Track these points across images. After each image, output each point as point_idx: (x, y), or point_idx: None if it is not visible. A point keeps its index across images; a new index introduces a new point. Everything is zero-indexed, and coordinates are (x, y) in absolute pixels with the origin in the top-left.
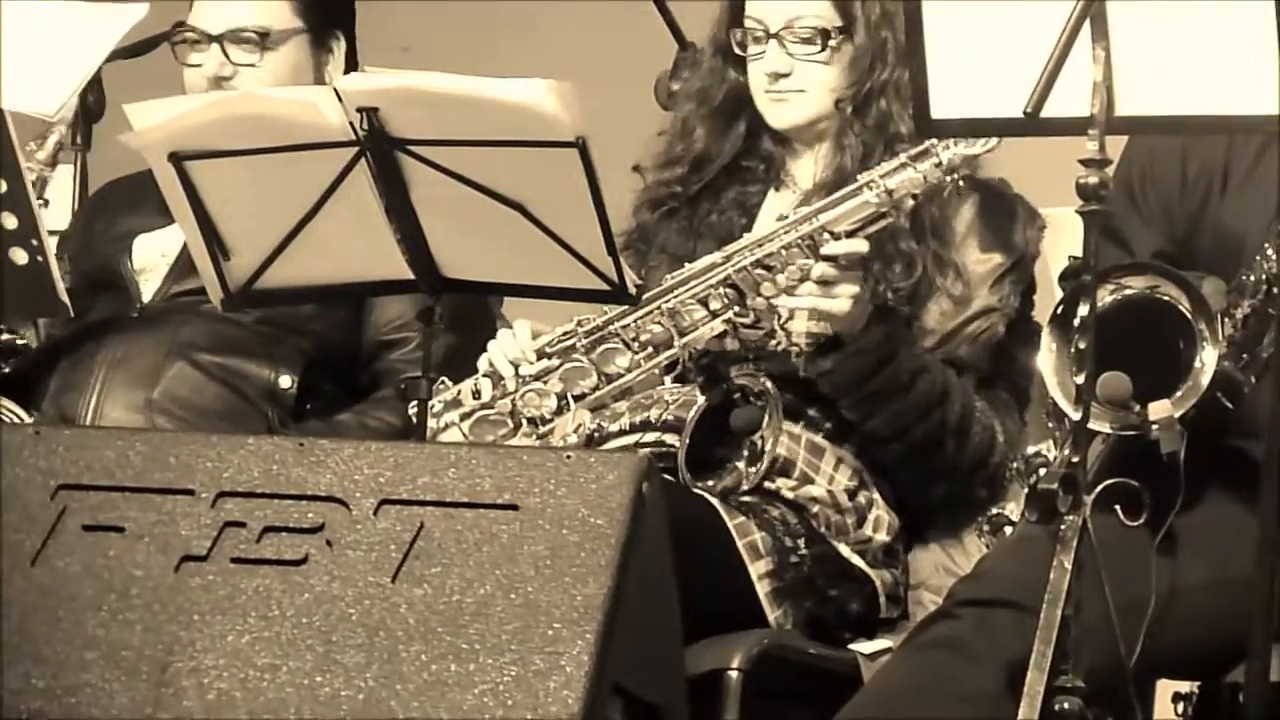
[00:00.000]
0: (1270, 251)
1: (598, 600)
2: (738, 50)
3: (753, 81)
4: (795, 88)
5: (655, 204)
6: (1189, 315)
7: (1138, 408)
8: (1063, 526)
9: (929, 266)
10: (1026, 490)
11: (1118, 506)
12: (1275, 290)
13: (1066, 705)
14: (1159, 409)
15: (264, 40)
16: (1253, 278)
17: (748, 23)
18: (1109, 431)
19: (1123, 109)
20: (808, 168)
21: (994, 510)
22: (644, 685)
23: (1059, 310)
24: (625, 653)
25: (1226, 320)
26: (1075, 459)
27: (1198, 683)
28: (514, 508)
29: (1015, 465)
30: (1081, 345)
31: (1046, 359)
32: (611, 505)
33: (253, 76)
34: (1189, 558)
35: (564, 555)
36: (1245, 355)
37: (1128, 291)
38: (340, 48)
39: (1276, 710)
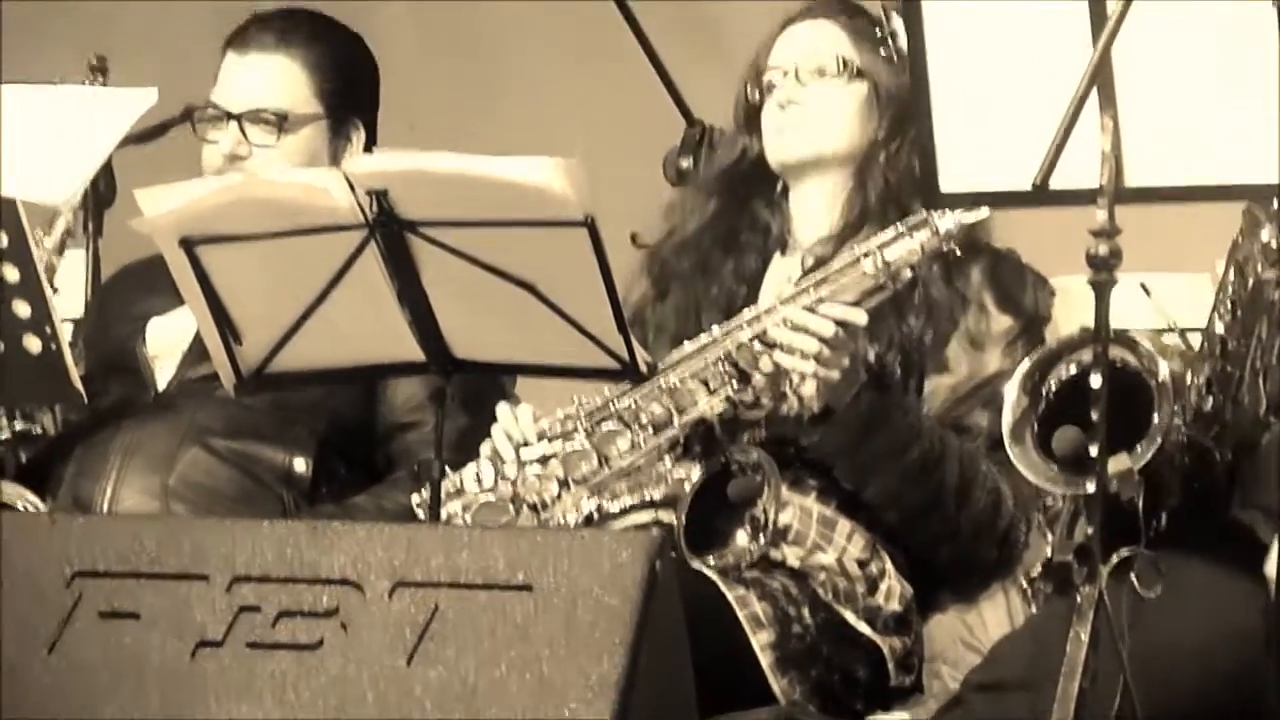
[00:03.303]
0: (1217, 317)
1: (613, 679)
2: (752, 101)
3: (766, 125)
4: (806, 117)
5: (652, 279)
6: (1143, 375)
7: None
8: (1078, 598)
9: (953, 309)
10: (1040, 564)
11: (1133, 576)
12: (1227, 350)
13: None
14: (1118, 463)
15: (282, 123)
16: (1207, 345)
17: (767, 72)
18: (1062, 491)
19: (1132, 179)
20: (815, 221)
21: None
22: None
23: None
24: None
25: (1190, 387)
26: (1090, 530)
27: None
28: (528, 588)
29: (1038, 519)
30: (1094, 416)
31: (1009, 417)
32: (625, 583)
33: (267, 158)
34: (1184, 619)
35: (579, 634)
36: (1216, 426)
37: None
38: (359, 137)
39: None
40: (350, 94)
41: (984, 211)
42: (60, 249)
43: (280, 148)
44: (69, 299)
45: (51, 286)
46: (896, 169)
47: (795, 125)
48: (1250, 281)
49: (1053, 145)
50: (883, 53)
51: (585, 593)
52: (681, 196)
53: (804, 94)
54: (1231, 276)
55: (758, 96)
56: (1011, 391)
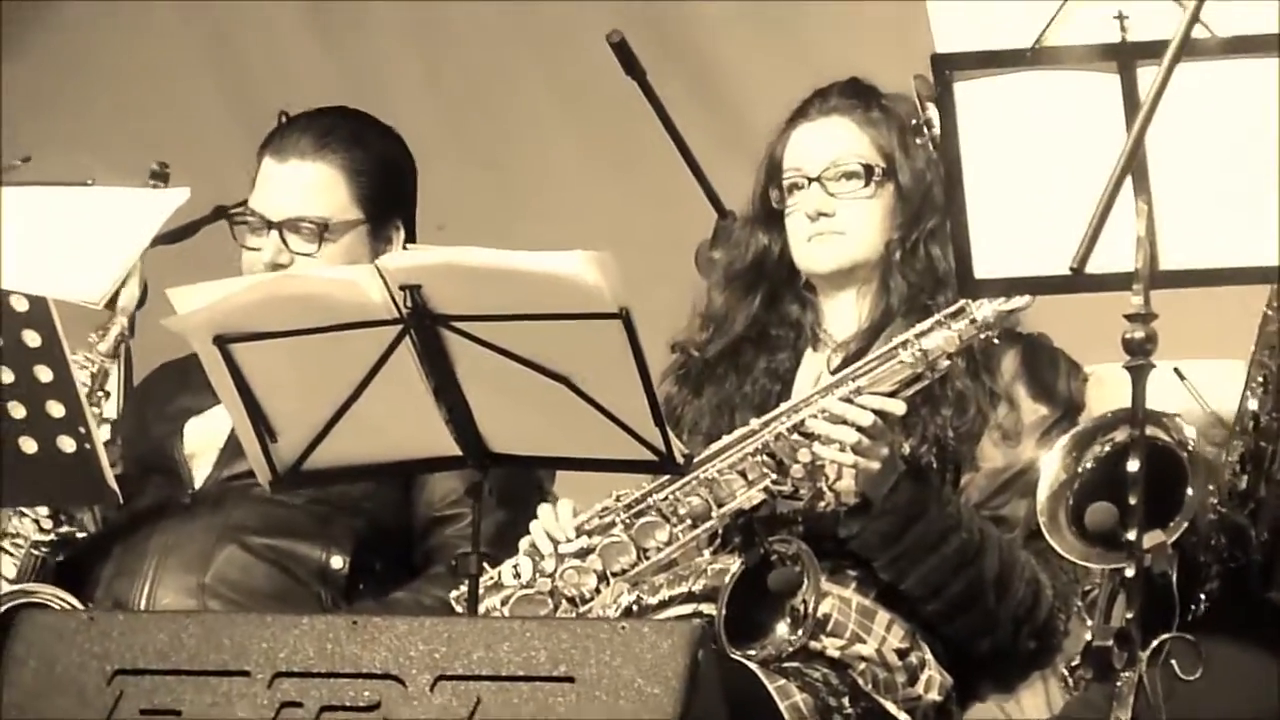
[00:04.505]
0: (1249, 394)
1: None
2: (775, 205)
3: (792, 231)
4: (837, 229)
5: (683, 376)
6: (1175, 451)
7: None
8: (1119, 683)
9: (981, 404)
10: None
11: (1172, 660)
12: (1260, 427)
13: None
14: (1152, 538)
15: (323, 231)
16: (1240, 423)
17: (787, 174)
18: (1097, 567)
19: (1166, 263)
20: (844, 319)
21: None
22: None
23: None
24: None
25: (1223, 465)
26: (1130, 614)
27: None
28: (570, 679)
29: (1077, 607)
30: (1132, 500)
31: (1044, 494)
32: (667, 674)
33: (309, 266)
34: (1223, 703)
35: None
36: (1250, 503)
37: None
38: (399, 237)
39: None
40: (390, 195)
41: (1024, 298)
42: (114, 353)
43: (322, 255)
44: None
45: (103, 390)
46: (915, 264)
47: (825, 239)
48: None
49: (1089, 229)
50: (916, 141)
51: (627, 684)
52: (711, 293)
53: (832, 204)
54: (1264, 353)
55: (778, 197)
56: (1047, 470)
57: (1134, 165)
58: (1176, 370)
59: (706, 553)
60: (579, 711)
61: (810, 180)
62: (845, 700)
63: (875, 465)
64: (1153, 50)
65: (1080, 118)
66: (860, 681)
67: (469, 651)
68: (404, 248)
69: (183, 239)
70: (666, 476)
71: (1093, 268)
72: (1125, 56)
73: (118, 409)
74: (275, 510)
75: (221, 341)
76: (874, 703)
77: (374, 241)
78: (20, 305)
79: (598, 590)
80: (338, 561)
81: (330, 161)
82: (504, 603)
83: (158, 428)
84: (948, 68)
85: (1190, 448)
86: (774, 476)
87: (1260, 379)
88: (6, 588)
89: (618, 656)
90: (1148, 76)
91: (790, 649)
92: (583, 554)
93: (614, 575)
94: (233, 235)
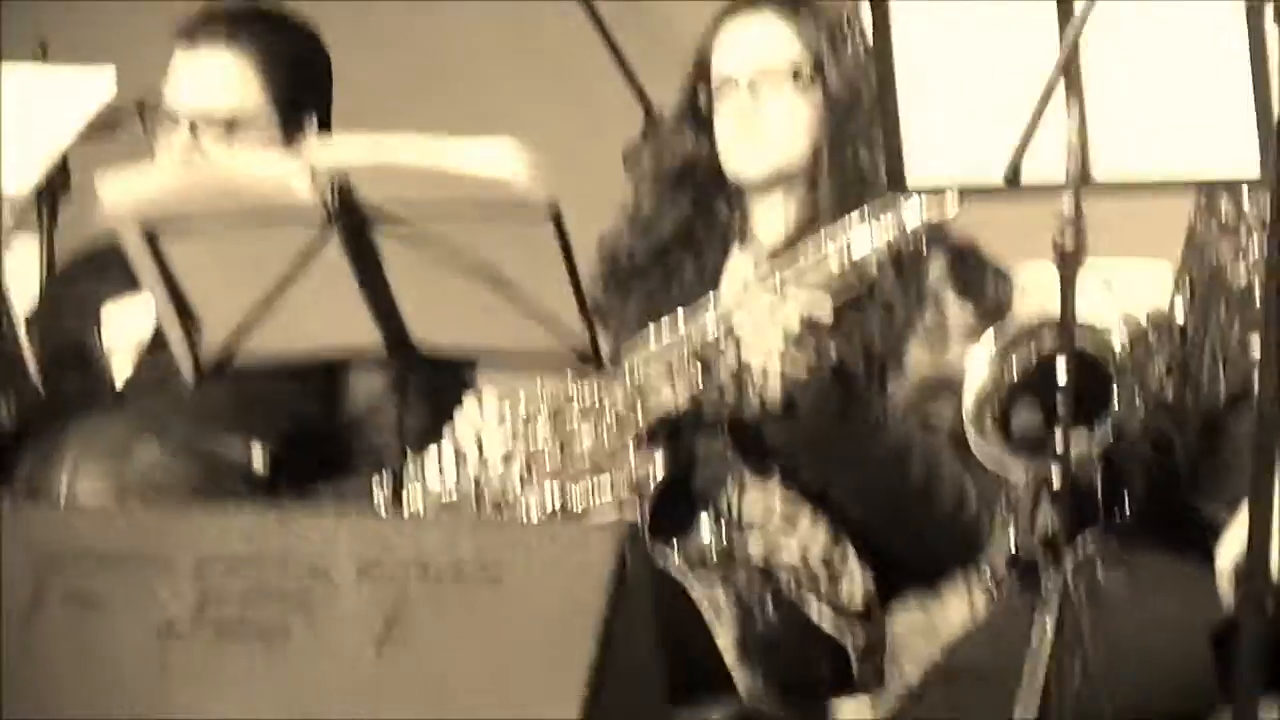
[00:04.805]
0: (1177, 302)
1: (582, 670)
2: (703, 109)
3: (720, 134)
4: (765, 132)
5: (610, 277)
6: (1101, 360)
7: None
8: (1043, 589)
9: (908, 310)
10: (1006, 556)
11: (1097, 566)
12: (1186, 336)
13: None
14: (1076, 444)
15: (234, 123)
16: (1167, 331)
17: (715, 76)
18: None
19: (1097, 171)
20: (773, 223)
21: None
22: None
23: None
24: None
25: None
26: (1056, 522)
27: None
28: (496, 578)
29: (1001, 513)
30: (1059, 407)
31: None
32: (594, 574)
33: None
34: (1149, 611)
35: (547, 625)
36: (1176, 413)
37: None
38: (312, 130)
39: None
40: (303, 89)
41: (954, 205)
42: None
43: (234, 148)
44: (21, 289)
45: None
46: (843, 168)
47: (753, 141)
48: (1208, 265)
49: (1023, 137)
50: (845, 49)
51: (554, 585)
52: (640, 194)
53: (759, 108)
54: (1190, 261)
55: (707, 101)
56: (973, 376)
57: (1068, 72)
58: (1105, 280)
59: (631, 452)
60: (505, 611)
61: (738, 83)
62: (767, 602)
63: (802, 369)
64: None
65: (1016, 23)
66: (783, 583)
67: (395, 547)
68: (321, 140)
69: (104, 132)
70: (593, 376)
71: (1025, 175)
72: None
73: (34, 301)
74: (197, 405)
75: (149, 232)
76: (796, 605)
77: (288, 134)
78: None
79: (522, 489)
80: (259, 458)
81: (241, 53)
82: (428, 500)
83: (74, 318)
84: None
85: (1117, 355)
86: (699, 378)
87: (1187, 286)
88: None
89: (544, 556)
90: None
91: (713, 551)
92: (507, 453)
93: (538, 474)
94: (144, 129)
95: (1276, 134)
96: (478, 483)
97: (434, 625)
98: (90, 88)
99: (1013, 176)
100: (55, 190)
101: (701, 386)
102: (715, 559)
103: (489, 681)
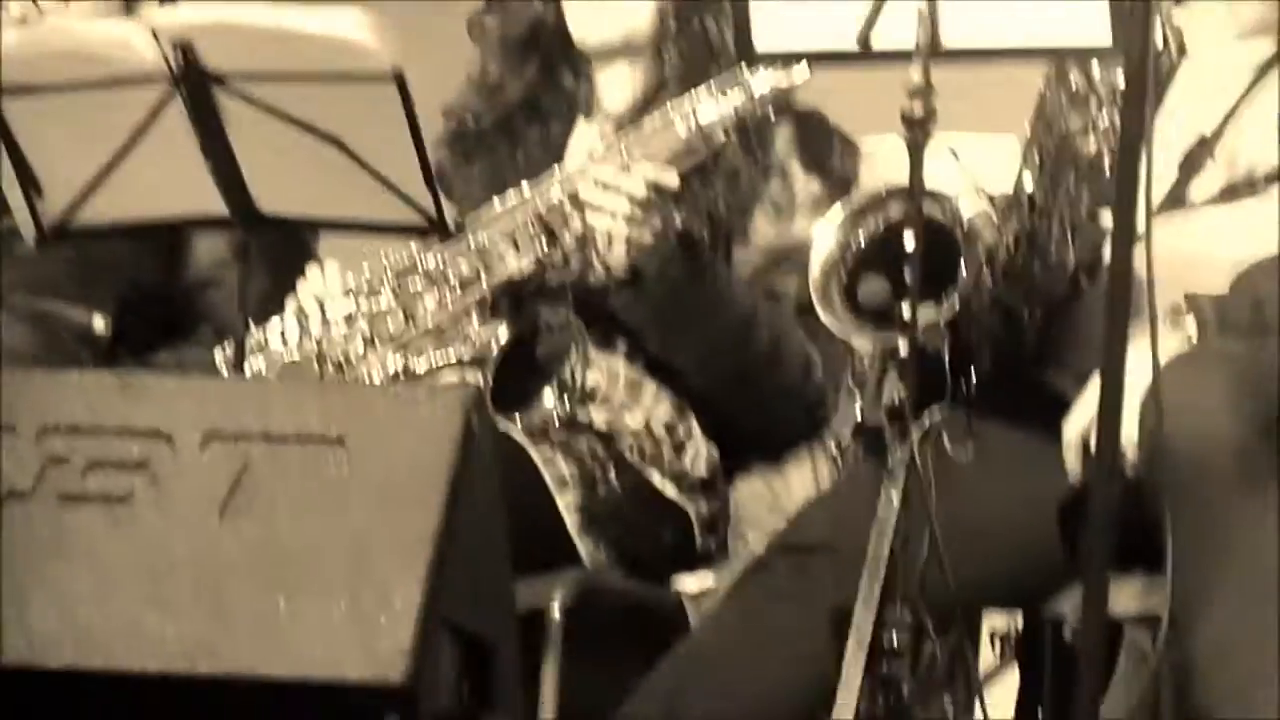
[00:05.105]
0: (1026, 173)
1: (428, 535)
2: None
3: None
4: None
5: (455, 144)
6: (949, 230)
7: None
8: (889, 460)
9: (754, 178)
10: (851, 427)
11: (944, 437)
12: (1035, 207)
13: (895, 640)
14: (924, 314)
15: None
16: (1015, 202)
17: None
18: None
19: (947, 39)
20: (619, 89)
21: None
22: (475, 621)
23: (835, 230)
24: (456, 588)
25: (998, 244)
26: (902, 392)
27: (1019, 613)
28: (341, 443)
29: (847, 384)
30: (906, 277)
31: (815, 272)
32: (440, 439)
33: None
34: (996, 484)
35: (393, 490)
36: (1024, 284)
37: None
38: None
39: (1111, 645)
40: None
41: (803, 72)
42: None
43: (72, 10)
44: None
45: None
46: (689, 35)
47: (598, 7)
48: (1057, 135)
49: (874, 5)
50: None
51: (400, 448)
52: (485, 60)
53: None
54: (1040, 132)
55: None
56: (819, 245)
57: None
58: (951, 150)
59: (475, 318)
60: (350, 475)
61: None
62: (610, 471)
63: (647, 236)
64: None
65: None
66: (626, 453)
67: (239, 412)
68: (164, 4)
69: None
70: (437, 242)
71: (875, 43)
72: None
73: None
74: (38, 269)
75: None
76: (639, 475)
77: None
78: None
79: (365, 355)
80: (100, 323)
81: None
82: (270, 366)
83: None
84: None
85: (965, 225)
86: (544, 245)
87: (1036, 157)
88: None
89: (390, 421)
90: None
91: (557, 419)
92: (350, 318)
93: (381, 340)
94: None
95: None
96: (320, 348)
97: (279, 490)
98: None
99: (863, 44)
100: None
101: (546, 254)
102: (558, 428)
103: (334, 545)
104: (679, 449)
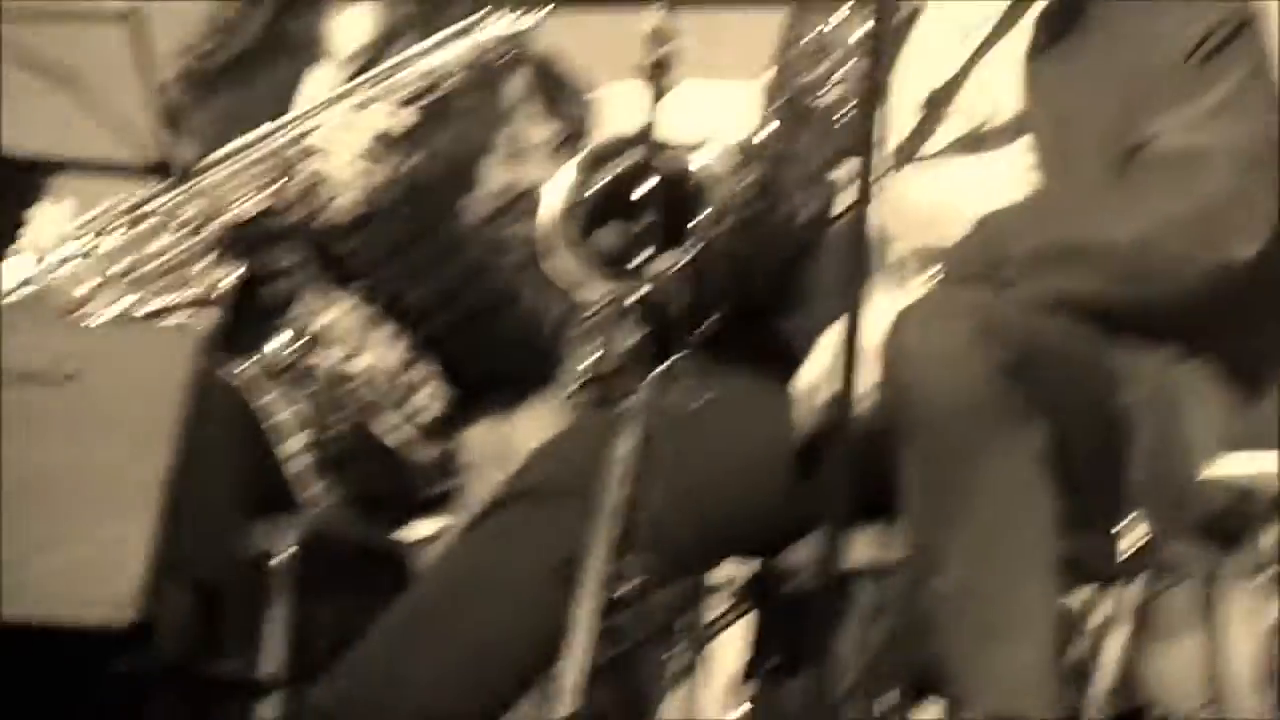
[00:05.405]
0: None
1: (156, 478)
2: None
3: None
4: None
5: (188, 84)
6: (685, 176)
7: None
8: (622, 406)
9: (487, 122)
10: (583, 375)
11: (676, 385)
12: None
13: (625, 590)
14: (658, 264)
15: None
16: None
17: None
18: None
19: None
20: (354, 33)
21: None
22: (205, 565)
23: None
24: (185, 533)
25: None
26: (635, 339)
27: (753, 563)
28: (69, 382)
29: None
30: (639, 224)
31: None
32: (169, 380)
33: None
34: (730, 433)
35: (121, 430)
36: (760, 234)
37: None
38: None
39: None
40: None
41: (535, 17)
42: None
43: None
44: None
45: None
46: None
47: None
48: (795, 85)
49: None
50: None
51: (129, 388)
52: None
53: None
54: (778, 80)
55: None
56: (552, 192)
57: None
58: (691, 101)
59: (205, 260)
60: (79, 412)
61: None
62: (339, 416)
63: (380, 177)
64: None
65: None
66: (355, 398)
67: None
68: None
69: None
70: (170, 185)
71: None
72: None
73: None
74: None
75: None
76: (365, 420)
77: None
78: None
79: (94, 294)
80: None
81: None
82: None
83: None
84: None
85: (701, 175)
86: (276, 187)
87: (774, 106)
88: None
89: (120, 360)
90: None
91: (286, 362)
92: (80, 255)
93: (111, 280)
94: None
95: None
96: (50, 286)
97: (7, 428)
98: None
99: None
100: None
101: (279, 196)
102: (288, 371)
103: (60, 487)
104: (410, 394)
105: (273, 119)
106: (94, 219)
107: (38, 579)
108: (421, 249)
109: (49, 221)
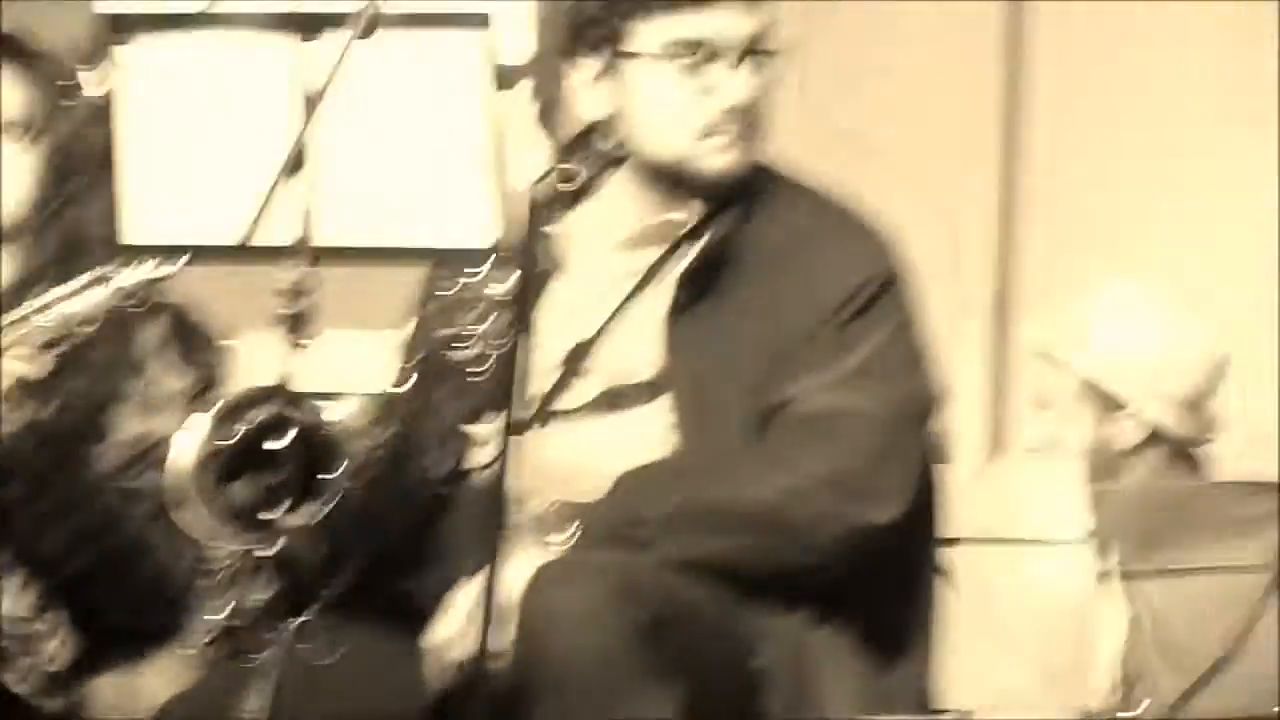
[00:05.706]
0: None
1: None
2: None
3: None
4: None
5: None
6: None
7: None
8: (252, 665)
9: (121, 372)
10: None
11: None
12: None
13: None
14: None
15: None
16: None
17: None
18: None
19: (326, 238)
20: None
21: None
22: None
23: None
24: None
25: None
26: (266, 595)
27: None
28: None
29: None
30: (272, 480)
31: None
32: None
33: None
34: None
35: None
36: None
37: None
38: None
39: None
40: None
41: (172, 266)
42: None
43: None
44: None
45: None
46: (62, 225)
47: None
48: (432, 340)
49: (261, 202)
50: (70, 105)
51: None
52: None
53: None
54: (418, 333)
55: None
56: (184, 444)
57: (304, 139)
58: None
59: None
60: None
61: None
62: None
63: (16, 427)
64: (333, 22)
65: (253, 85)
66: None
67: None
68: None
69: None
70: None
71: (255, 240)
72: (302, 25)
73: None
74: None
75: None
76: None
77: None
78: None
79: None
80: None
81: None
82: None
83: None
84: (112, 29)
85: (338, 427)
86: None
87: (411, 360)
88: None
89: None
90: (329, 47)
91: None
92: None
93: None
94: None
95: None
96: None
97: None
98: None
99: (244, 240)
100: None
101: None
102: None
103: None
104: (38, 645)
105: None
106: None
107: None
108: (52, 497)
109: None
